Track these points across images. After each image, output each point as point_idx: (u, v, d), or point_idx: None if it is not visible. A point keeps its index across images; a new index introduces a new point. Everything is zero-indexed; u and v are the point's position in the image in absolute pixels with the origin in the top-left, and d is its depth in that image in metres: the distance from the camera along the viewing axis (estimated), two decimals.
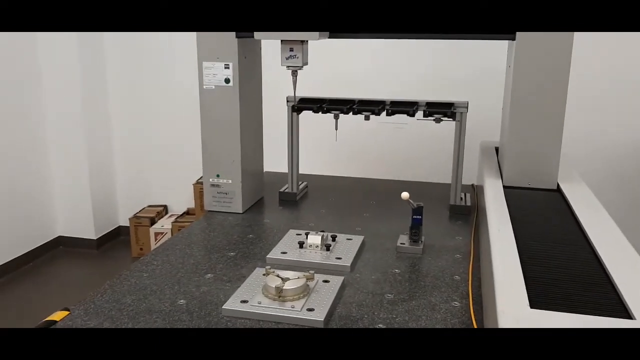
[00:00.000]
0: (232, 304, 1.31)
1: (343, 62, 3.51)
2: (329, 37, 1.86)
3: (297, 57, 1.83)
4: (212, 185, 2.05)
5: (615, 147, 3.25)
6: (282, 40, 1.84)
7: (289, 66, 1.87)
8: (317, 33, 1.73)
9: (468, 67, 3.32)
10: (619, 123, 3.21)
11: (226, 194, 2.04)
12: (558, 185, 1.78)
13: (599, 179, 3.21)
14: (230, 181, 2.03)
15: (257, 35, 1.82)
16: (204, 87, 1.97)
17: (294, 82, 1.97)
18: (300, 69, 1.90)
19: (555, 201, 1.67)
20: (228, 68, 1.92)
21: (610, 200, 2.07)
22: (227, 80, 1.93)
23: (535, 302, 0.97)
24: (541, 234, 1.38)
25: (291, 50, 1.84)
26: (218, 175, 2.03)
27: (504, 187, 1.75)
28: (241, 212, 2.05)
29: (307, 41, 1.85)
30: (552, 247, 1.29)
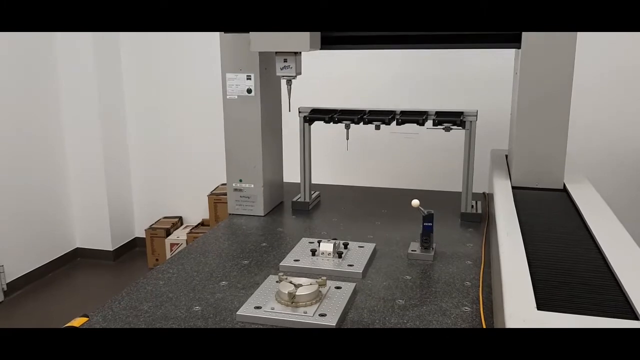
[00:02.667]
0: (246, 310, 1.34)
1: (348, 69, 3.55)
2: (321, 49, 1.96)
3: (291, 68, 1.93)
4: (236, 189, 2.16)
5: (617, 142, 3.26)
6: (276, 52, 1.93)
7: (283, 76, 1.97)
8: (308, 45, 1.83)
9: (480, 75, 3.35)
10: (621, 119, 3.23)
11: (248, 197, 2.14)
12: (564, 184, 1.84)
13: (601, 174, 3.21)
14: (252, 185, 2.13)
15: (253, 47, 1.89)
16: (227, 97, 2.09)
17: (289, 91, 2.07)
18: (294, 78, 2.00)
19: (561, 200, 1.73)
20: (250, 79, 2.05)
21: (611, 195, 2.11)
22: (249, 91, 2.06)
23: (543, 304, 0.98)
24: (548, 234, 1.41)
25: (285, 61, 1.93)
26: (241, 180, 2.14)
27: (513, 187, 1.81)
28: (262, 214, 2.14)
29: (300, 52, 1.94)
30: (558, 247, 1.32)
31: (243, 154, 2.13)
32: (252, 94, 2.06)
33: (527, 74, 1.79)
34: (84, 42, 3.82)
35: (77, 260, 4.17)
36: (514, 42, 1.77)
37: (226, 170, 2.17)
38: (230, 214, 2.18)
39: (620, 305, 0.99)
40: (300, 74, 1.99)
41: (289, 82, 2.05)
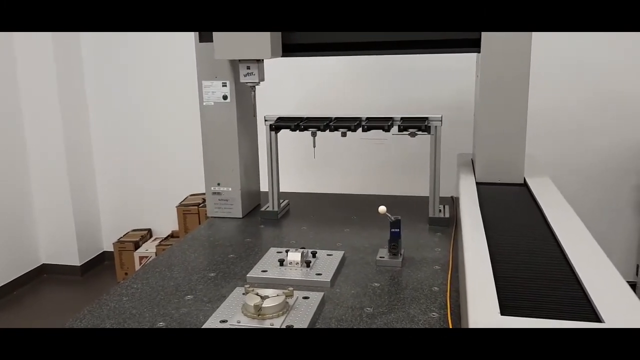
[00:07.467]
0: (211, 324, 1.31)
1: (320, 80, 3.55)
2: (282, 56, 2.03)
3: (254, 74, 2.02)
4: (214, 193, 2.22)
5: (575, 143, 3.35)
6: (240, 60, 1.99)
7: (246, 82, 2.04)
8: (269, 52, 1.90)
9: (448, 81, 3.38)
10: (577, 117, 3.32)
11: (227, 200, 2.20)
12: (524, 179, 1.95)
13: (562, 173, 3.28)
14: (230, 189, 2.19)
15: (216, 55, 1.95)
16: (204, 103, 2.16)
17: (254, 97, 2.15)
18: (257, 85, 2.08)
19: (522, 194, 1.84)
20: (225, 86, 2.11)
21: (569, 189, 2.18)
22: (224, 97, 2.12)
23: (506, 306, 0.98)
24: (510, 226, 1.50)
25: (248, 68, 2.01)
26: (219, 184, 2.19)
27: (477, 183, 1.91)
28: (241, 216, 2.20)
29: (262, 60, 2.01)
30: (519, 239, 1.39)
31: (220, 158, 2.19)
32: (228, 100, 2.12)
33: (487, 75, 1.88)
34: (43, 46, 3.69)
35: (43, 276, 4.06)
36: (474, 46, 1.80)
37: (204, 174, 2.22)
38: (209, 217, 2.24)
39: (580, 302, 1.02)
40: (263, 80, 2.05)
41: (252, 89, 2.11)
